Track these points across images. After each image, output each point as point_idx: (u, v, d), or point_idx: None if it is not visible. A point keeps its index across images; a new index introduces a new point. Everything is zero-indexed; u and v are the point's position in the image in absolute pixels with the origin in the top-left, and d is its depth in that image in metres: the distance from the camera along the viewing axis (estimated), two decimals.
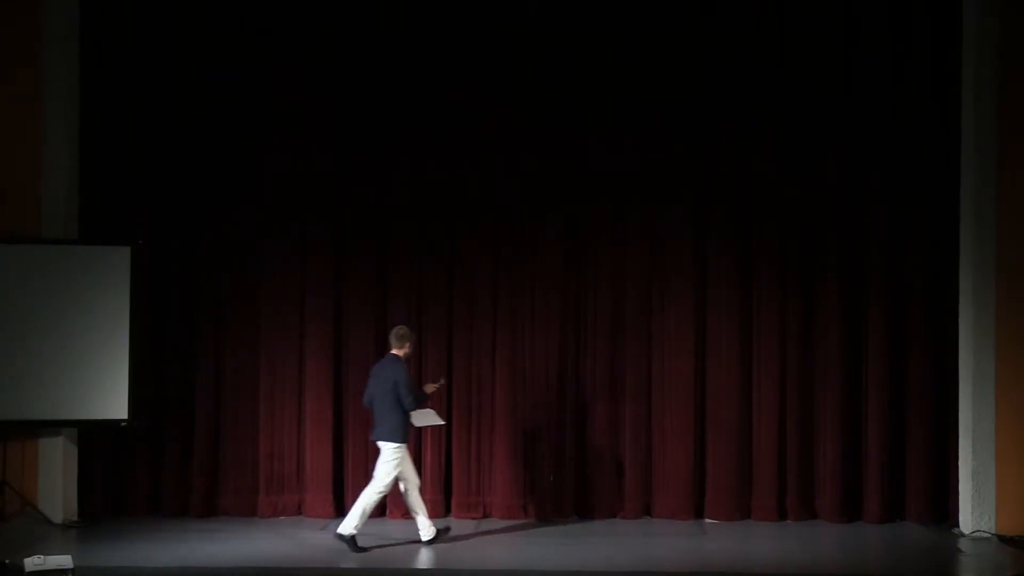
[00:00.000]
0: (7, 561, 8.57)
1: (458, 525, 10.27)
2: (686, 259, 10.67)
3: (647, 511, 10.69)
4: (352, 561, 9.22)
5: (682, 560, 9.30)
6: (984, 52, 10.12)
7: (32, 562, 8.26)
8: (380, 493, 9.60)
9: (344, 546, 9.41)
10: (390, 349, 9.67)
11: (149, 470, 10.72)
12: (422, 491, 9.84)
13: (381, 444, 9.54)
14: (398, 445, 9.49)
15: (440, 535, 9.75)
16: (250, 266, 10.81)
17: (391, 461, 9.49)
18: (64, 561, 8.34)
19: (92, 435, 10.60)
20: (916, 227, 10.56)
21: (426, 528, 9.70)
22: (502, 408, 10.70)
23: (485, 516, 10.67)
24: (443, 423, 10.18)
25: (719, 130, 10.68)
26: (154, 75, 10.73)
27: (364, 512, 9.48)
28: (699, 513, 10.64)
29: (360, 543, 9.46)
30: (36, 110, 10.41)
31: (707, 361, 10.69)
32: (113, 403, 10.18)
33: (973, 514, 10.05)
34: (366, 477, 9.72)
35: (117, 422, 10.22)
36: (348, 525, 9.47)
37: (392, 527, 10.24)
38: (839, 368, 10.57)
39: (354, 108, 10.71)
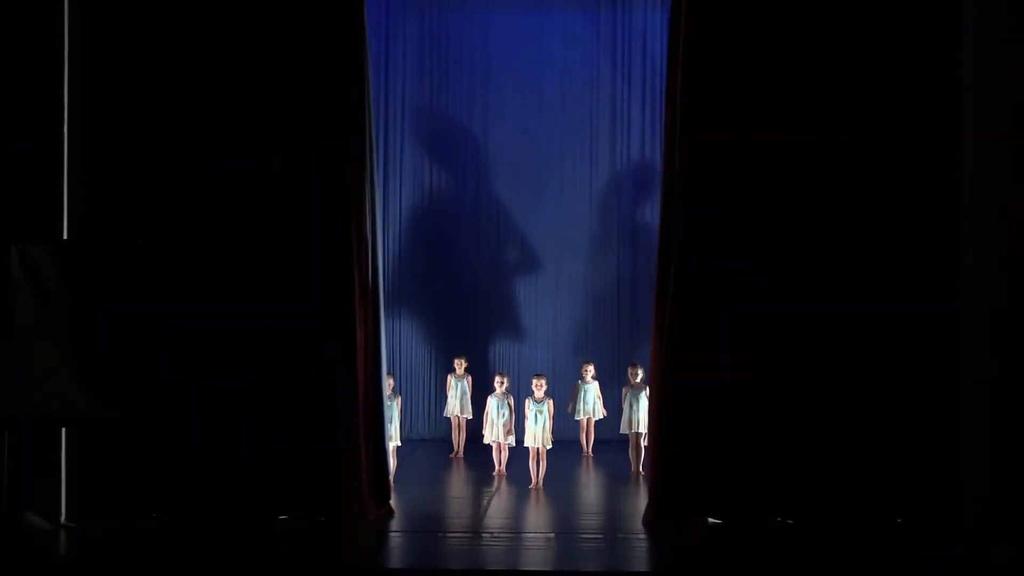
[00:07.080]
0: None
1: None
2: None
3: (649, 511, 10.70)
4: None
5: (685, 559, 9.34)
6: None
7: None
8: None
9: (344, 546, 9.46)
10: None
11: (149, 470, 10.68)
12: None
13: None
14: None
15: None
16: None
17: None
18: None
19: (92, 435, 10.59)
20: (915, 220, 10.58)
21: None
22: None
23: None
24: None
25: None
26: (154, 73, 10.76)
27: None
28: (703, 513, 10.61)
29: None
30: (36, 109, 10.43)
31: None
32: (113, 403, 10.17)
33: (974, 514, 10.08)
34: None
35: (117, 422, 10.21)
36: None
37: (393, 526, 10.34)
38: (839, 366, 10.57)
39: None
